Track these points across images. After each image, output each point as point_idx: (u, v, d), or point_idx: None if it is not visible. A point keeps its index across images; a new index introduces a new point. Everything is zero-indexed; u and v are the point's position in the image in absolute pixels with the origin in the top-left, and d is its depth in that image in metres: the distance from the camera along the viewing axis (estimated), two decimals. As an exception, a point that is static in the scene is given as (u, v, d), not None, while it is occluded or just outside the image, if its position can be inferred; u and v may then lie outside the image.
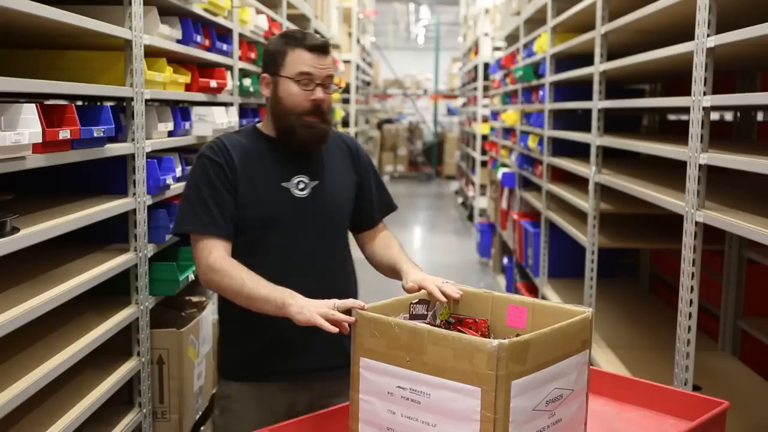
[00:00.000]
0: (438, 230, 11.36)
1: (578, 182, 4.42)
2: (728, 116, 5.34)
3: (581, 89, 4.39)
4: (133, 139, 2.55)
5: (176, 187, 2.88)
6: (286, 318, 1.99)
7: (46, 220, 2.09)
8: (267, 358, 2.11)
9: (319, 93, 2.06)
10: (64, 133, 2.02)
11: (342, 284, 2.19)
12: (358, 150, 2.31)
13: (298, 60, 2.05)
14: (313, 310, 1.81)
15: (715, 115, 4.78)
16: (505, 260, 7.13)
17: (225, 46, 3.53)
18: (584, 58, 4.12)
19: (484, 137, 10.40)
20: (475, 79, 11.33)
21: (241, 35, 3.81)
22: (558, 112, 4.94)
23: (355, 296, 2.14)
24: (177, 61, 3.07)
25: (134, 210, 2.56)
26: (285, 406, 2.11)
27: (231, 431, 2.13)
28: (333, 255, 2.19)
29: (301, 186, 2.12)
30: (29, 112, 1.86)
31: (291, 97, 2.06)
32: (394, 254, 2.19)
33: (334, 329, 1.77)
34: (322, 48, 2.08)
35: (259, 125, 2.20)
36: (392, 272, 2.17)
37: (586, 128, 4.04)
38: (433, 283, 1.92)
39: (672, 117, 5.28)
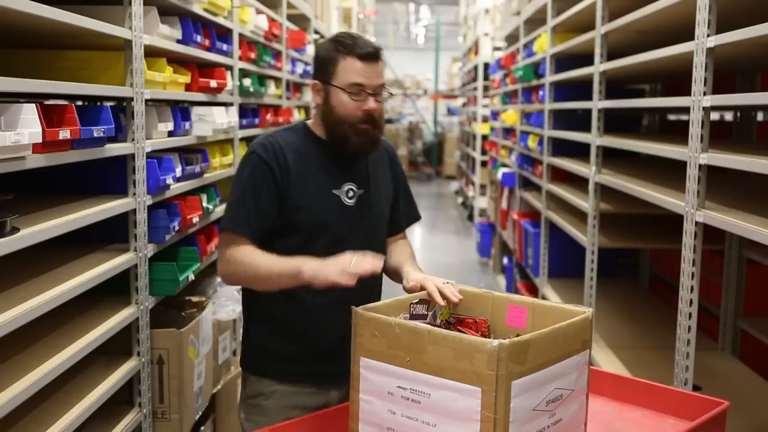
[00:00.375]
0: (438, 230, 11.36)
1: (578, 182, 4.42)
2: (728, 116, 5.34)
3: (581, 89, 4.39)
4: (133, 139, 2.55)
5: (176, 187, 2.88)
6: (321, 321, 2.04)
7: (46, 220, 2.09)
8: (303, 360, 2.11)
9: (371, 103, 2.03)
10: (64, 133, 2.01)
11: (377, 290, 2.19)
12: (395, 157, 2.29)
13: (350, 69, 2.01)
14: (328, 271, 1.83)
15: (715, 115, 4.78)
16: (505, 260, 7.14)
17: (225, 46, 3.53)
18: (584, 58, 4.12)
19: (484, 137, 10.41)
20: (475, 79, 11.33)
21: (241, 35, 3.81)
22: (558, 112, 4.94)
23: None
24: (177, 61, 3.07)
25: (134, 210, 2.56)
26: (319, 404, 2.10)
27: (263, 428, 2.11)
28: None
29: (350, 194, 2.11)
30: (29, 112, 1.86)
31: (343, 107, 2.03)
32: (403, 258, 2.18)
33: (352, 282, 1.80)
34: (374, 56, 2.03)
35: (309, 123, 2.17)
36: (396, 275, 2.17)
37: (586, 128, 4.04)
38: (433, 283, 1.92)
39: (672, 117, 5.28)
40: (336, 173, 2.11)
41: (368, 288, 2.12)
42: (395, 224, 2.28)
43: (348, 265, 1.82)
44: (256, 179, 2.03)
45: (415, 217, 2.35)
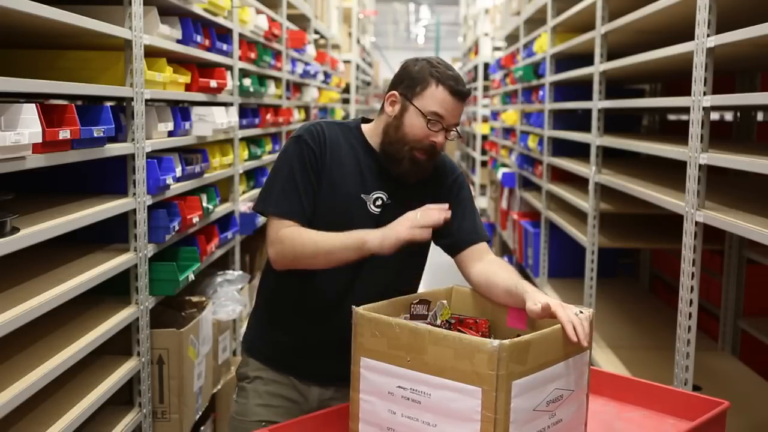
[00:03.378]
0: (438, 230, 11.33)
1: (578, 182, 4.42)
2: (728, 116, 5.34)
3: (581, 89, 4.39)
4: (133, 139, 2.55)
5: (176, 187, 2.88)
6: (317, 323, 2.02)
7: (46, 220, 2.09)
8: (290, 354, 2.11)
9: (441, 137, 1.99)
10: (64, 133, 2.01)
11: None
12: (456, 177, 2.19)
13: (437, 98, 1.97)
14: (397, 232, 1.81)
15: (715, 115, 4.78)
16: (505, 260, 7.13)
17: (225, 46, 3.53)
18: (584, 58, 4.13)
19: (484, 137, 10.41)
20: (475, 79, 11.33)
21: (241, 35, 3.81)
22: (558, 112, 4.94)
23: None
24: (177, 61, 3.07)
25: (134, 210, 2.56)
26: (295, 398, 2.11)
27: (241, 410, 2.12)
28: (387, 276, 2.08)
29: (378, 203, 2.06)
30: (29, 112, 1.86)
31: (413, 130, 1.99)
32: (514, 278, 1.97)
33: (427, 235, 1.84)
34: (463, 95, 2.01)
35: (364, 127, 2.12)
36: (509, 296, 1.93)
37: (586, 128, 4.05)
38: (565, 312, 1.67)
39: (672, 117, 5.28)
40: (369, 178, 2.06)
41: (377, 297, 1.98)
42: (455, 242, 2.15)
43: (414, 220, 1.79)
44: (305, 164, 2.01)
45: (482, 237, 2.19)
